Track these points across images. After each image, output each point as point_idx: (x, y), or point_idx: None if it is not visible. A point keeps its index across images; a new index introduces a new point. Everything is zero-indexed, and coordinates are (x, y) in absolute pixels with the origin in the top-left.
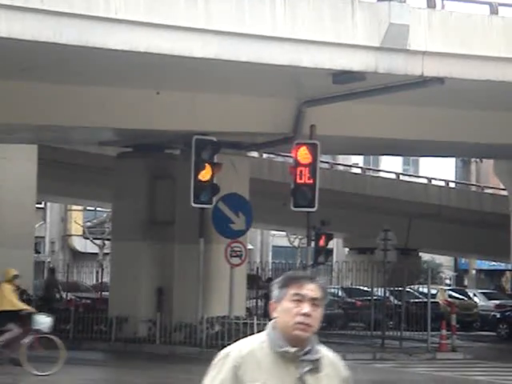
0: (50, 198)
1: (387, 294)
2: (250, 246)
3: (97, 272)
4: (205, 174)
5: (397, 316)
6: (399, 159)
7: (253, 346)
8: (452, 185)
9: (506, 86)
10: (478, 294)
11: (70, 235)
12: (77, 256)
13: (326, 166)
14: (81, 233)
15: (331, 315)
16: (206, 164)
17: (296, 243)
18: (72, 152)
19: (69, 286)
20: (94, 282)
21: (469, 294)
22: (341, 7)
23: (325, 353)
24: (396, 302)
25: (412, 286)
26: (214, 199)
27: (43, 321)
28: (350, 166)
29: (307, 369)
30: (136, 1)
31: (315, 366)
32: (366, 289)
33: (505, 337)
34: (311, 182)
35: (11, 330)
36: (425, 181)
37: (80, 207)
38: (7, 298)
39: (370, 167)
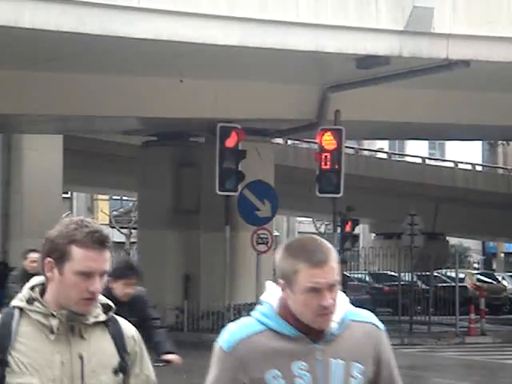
0: (76, 188)
1: (415, 279)
2: (276, 233)
3: None
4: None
5: (425, 301)
6: (425, 143)
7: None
8: (479, 168)
9: None
10: (506, 278)
11: None
12: None
13: (351, 151)
14: (107, 222)
15: (359, 301)
16: (231, 151)
17: (322, 229)
18: (97, 141)
19: None
20: None
21: (497, 277)
22: None
23: None
24: (424, 286)
25: (440, 271)
26: (239, 186)
27: None
28: (376, 150)
29: None
30: None
31: None
32: (393, 274)
33: None
34: (336, 167)
35: None
36: (451, 165)
37: (106, 196)
38: None
39: (396, 152)
